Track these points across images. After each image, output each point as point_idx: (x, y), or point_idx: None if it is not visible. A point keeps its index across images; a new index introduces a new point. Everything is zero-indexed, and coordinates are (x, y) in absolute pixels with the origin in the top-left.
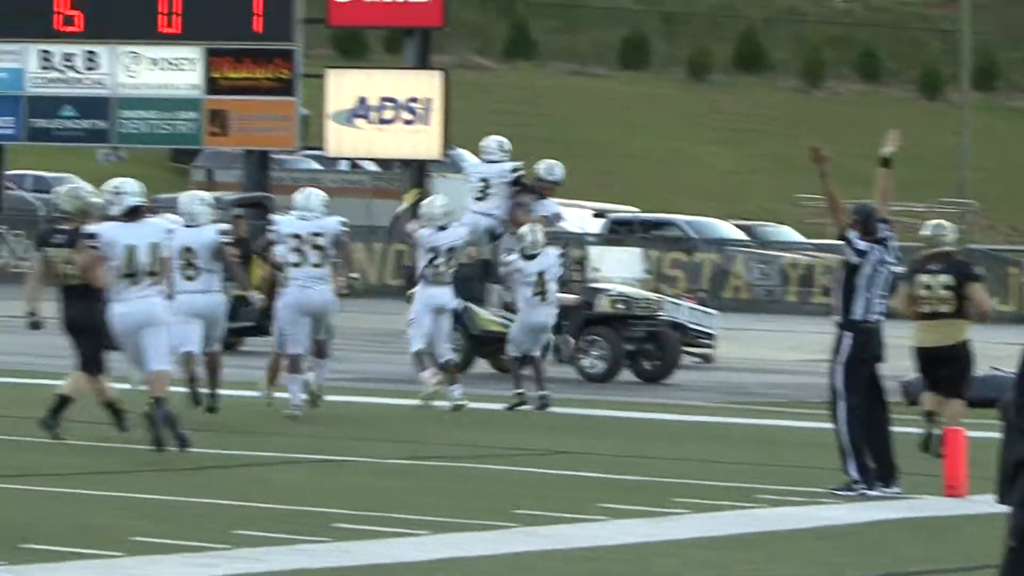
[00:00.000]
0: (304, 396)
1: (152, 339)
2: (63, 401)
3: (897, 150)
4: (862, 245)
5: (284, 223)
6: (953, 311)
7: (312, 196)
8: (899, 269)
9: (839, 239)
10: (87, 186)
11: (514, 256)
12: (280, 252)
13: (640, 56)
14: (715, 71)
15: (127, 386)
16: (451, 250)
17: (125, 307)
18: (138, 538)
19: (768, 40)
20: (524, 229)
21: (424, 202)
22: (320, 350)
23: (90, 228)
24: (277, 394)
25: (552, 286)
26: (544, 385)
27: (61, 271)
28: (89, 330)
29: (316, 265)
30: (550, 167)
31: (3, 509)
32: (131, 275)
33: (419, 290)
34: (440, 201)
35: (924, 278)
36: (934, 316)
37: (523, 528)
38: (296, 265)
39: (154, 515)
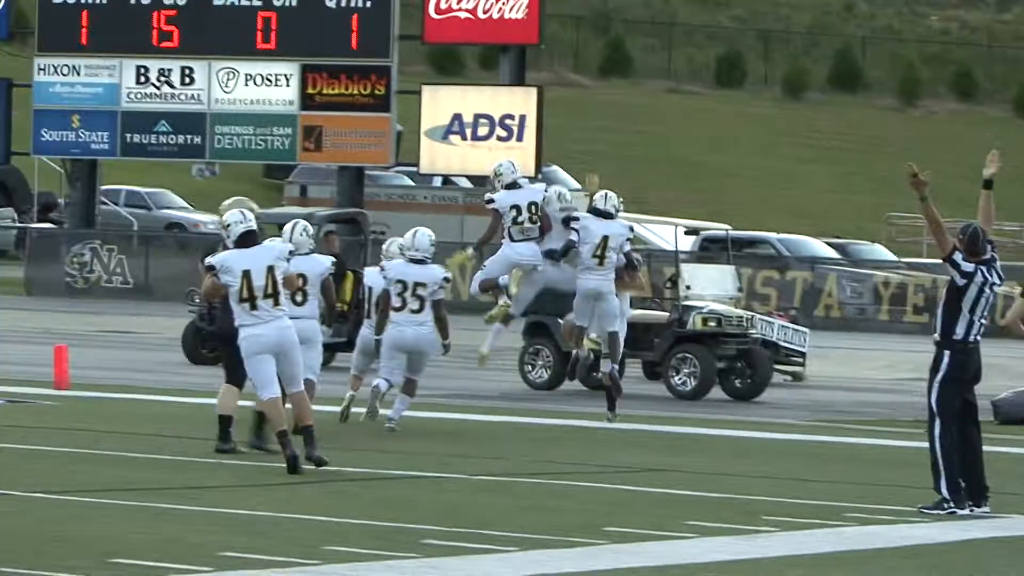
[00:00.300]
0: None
1: (285, 364)
2: (260, 417)
3: (997, 171)
4: (968, 267)
5: (394, 268)
6: None
7: (420, 235)
8: (1003, 289)
9: (945, 261)
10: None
11: (588, 216)
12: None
13: (736, 74)
14: (811, 89)
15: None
16: (532, 204)
17: (255, 330)
18: (228, 553)
19: (864, 59)
20: (599, 192)
21: (493, 169)
22: (408, 388)
23: (208, 260)
24: (355, 409)
25: (612, 255)
26: (614, 400)
27: None
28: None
29: (415, 311)
30: (604, 195)
31: (93, 523)
32: (248, 300)
33: (505, 244)
34: (507, 164)
35: None
36: None
37: (612, 545)
38: (398, 309)
39: (245, 530)
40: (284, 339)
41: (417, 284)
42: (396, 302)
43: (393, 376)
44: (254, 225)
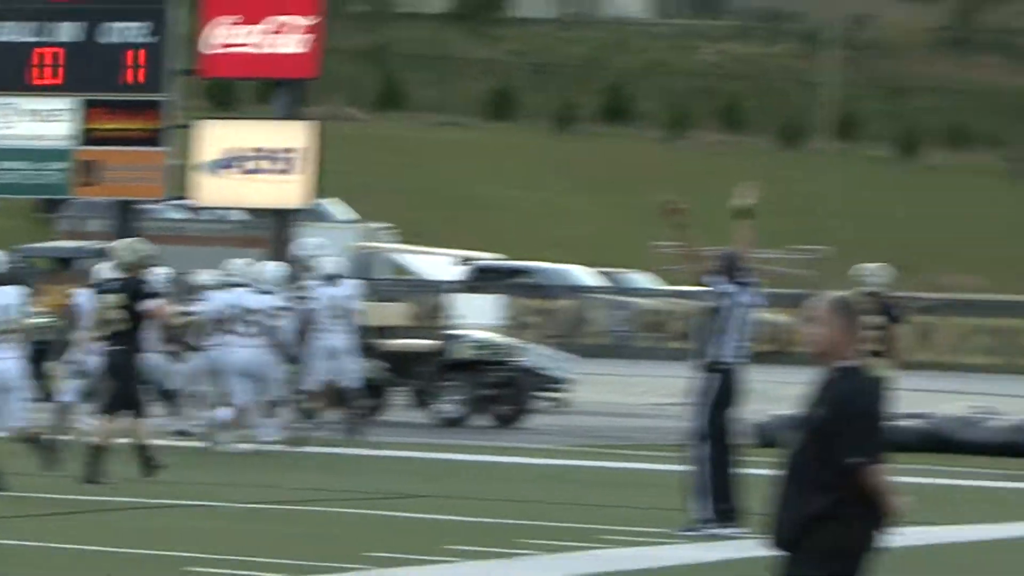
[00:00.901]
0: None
1: (4, 403)
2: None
3: (755, 201)
4: (727, 288)
5: (233, 297)
6: (880, 351)
7: (268, 269)
8: (768, 315)
9: (703, 284)
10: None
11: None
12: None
13: (508, 107)
14: (582, 122)
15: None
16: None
17: None
18: None
19: (635, 92)
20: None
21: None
22: (270, 409)
23: None
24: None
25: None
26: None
27: (109, 317)
28: (123, 373)
29: (250, 336)
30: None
31: None
32: (3, 332)
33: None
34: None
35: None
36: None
37: (374, 570)
38: (237, 334)
39: (3, 562)
40: (7, 376)
41: (251, 311)
42: (237, 327)
43: (238, 399)
44: (5, 269)
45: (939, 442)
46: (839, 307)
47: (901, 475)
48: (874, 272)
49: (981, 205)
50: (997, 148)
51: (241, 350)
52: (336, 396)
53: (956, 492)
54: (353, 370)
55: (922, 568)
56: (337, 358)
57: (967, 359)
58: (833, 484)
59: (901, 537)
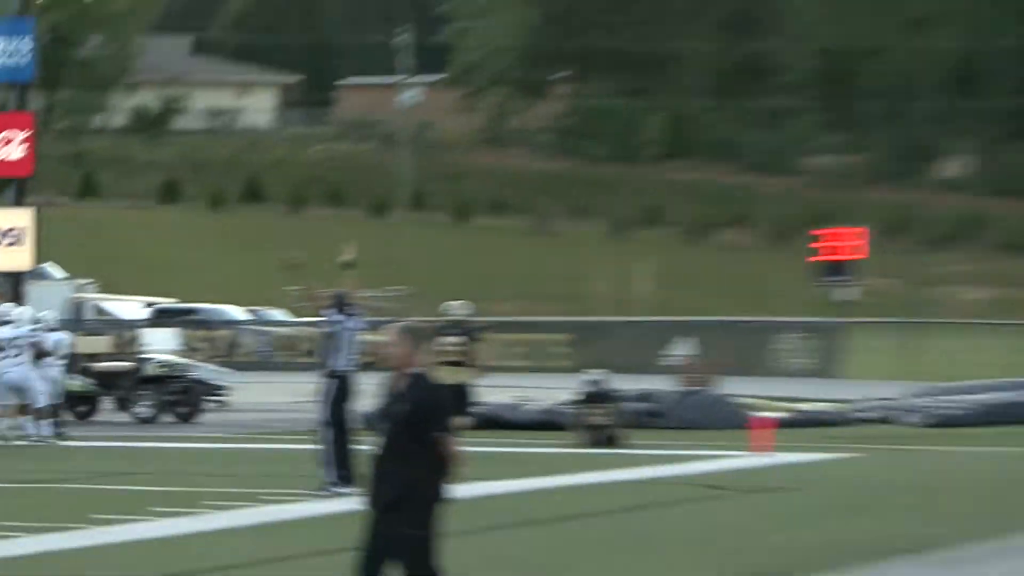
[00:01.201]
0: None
1: None
2: None
3: (355, 257)
4: (339, 317)
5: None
6: (462, 361)
7: (25, 311)
8: (367, 336)
9: (319, 316)
10: None
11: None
12: None
13: (174, 193)
14: (229, 203)
15: None
16: None
17: None
18: None
19: (266, 180)
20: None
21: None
22: (36, 412)
23: None
24: None
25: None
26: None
27: None
28: None
29: (13, 356)
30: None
31: None
32: None
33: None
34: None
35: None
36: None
37: (97, 528)
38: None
39: None
40: None
41: (13, 339)
42: (10, 352)
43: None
44: None
45: (494, 422)
46: (405, 331)
47: (468, 446)
48: (458, 306)
49: (515, 254)
50: (525, 214)
51: (12, 369)
52: (55, 407)
53: (505, 456)
54: (62, 391)
55: (480, 511)
56: (56, 383)
57: (509, 363)
58: (419, 457)
59: (466, 489)
